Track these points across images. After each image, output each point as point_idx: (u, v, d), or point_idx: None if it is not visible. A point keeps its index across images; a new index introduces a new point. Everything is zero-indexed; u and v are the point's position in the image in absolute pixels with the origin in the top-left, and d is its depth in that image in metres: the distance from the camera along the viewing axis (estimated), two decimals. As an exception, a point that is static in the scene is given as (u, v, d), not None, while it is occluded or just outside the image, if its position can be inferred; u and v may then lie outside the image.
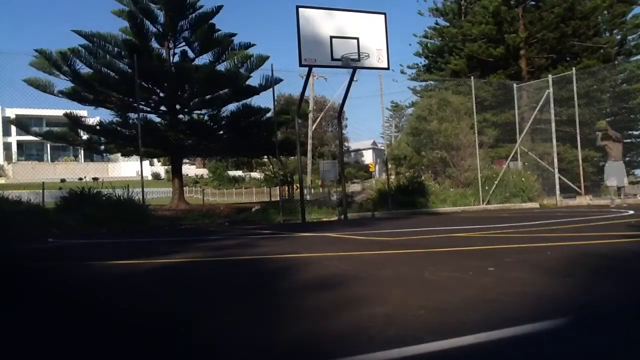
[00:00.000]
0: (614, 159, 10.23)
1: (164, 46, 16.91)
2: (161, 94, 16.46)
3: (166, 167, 42.99)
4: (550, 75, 13.73)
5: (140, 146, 10.85)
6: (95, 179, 18.86)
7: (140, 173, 10.67)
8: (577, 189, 13.41)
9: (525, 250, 3.45)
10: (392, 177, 14.19)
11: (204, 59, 16.75)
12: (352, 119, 64.45)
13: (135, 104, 13.15)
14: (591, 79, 16.78)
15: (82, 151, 40.50)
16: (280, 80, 16.05)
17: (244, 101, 16.77)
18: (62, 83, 15.16)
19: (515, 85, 14.74)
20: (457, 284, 2.20)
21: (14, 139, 46.00)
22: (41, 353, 1.47)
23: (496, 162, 14.52)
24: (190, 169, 48.32)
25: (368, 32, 9.85)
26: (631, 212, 8.17)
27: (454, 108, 13.90)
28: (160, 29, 16.57)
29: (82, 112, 17.69)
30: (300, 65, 9.47)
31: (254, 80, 16.61)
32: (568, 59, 21.02)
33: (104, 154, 22.68)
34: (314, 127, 33.12)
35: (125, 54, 15.43)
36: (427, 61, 24.62)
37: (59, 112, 17.20)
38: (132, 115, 15.32)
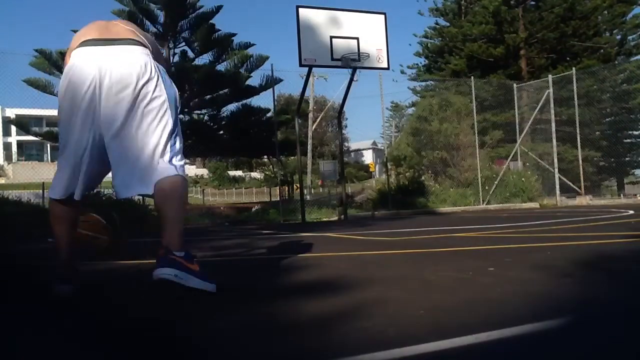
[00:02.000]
0: None
1: (163, 46, 16.88)
2: (161, 94, 16.40)
3: (166, 167, 42.78)
4: (550, 75, 13.73)
5: (140, 146, 10.82)
6: (95, 179, 18.79)
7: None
8: (577, 189, 13.41)
9: (525, 250, 3.45)
10: (392, 177, 14.19)
11: (204, 59, 16.77)
12: (352, 119, 64.52)
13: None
14: (591, 79, 16.79)
15: (82, 151, 40.39)
16: (280, 80, 16.06)
17: (244, 101, 16.78)
18: (62, 83, 15.14)
19: (515, 85, 14.75)
20: (457, 284, 2.20)
21: (14, 139, 45.98)
22: (31, 353, 1.47)
23: (496, 162, 14.53)
24: (190, 169, 48.28)
25: (368, 32, 9.85)
26: (631, 212, 8.17)
27: (455, 108, 13.90)
28: (160, 29, 16.57)
29: (82, 112, 17.67)
30: (300, 65, 9.48)
31: (254, 80, 16.62)
32: (568, 59, 21.03)
33: (104, 154, 22.61)
34: (314, 127, 33.12)
35: (125, 54, 15.42)
36: (427, 61, 24.64)
37: (59, 112, 17.17)
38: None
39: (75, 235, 2.37)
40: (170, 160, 2.09)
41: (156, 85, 2.12)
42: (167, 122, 2.12)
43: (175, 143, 2.14)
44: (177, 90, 2.30)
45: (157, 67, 2.18)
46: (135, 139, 2.06)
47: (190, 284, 1.91)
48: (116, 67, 2.05)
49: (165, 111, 2.13)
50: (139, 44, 2.18)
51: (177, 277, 1.89)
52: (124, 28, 2.23)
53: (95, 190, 10.93)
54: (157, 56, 2.31)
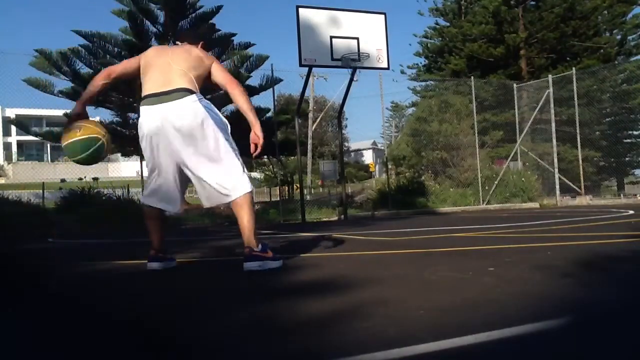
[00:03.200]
0: None
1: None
2: (161, 94, 16.38)
3: (166, 167, 42.81)
4: (550, 75, 13.73)
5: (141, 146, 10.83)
6: (95, 179, 18.85)
7: (140, 173, 10.68)
8: (577, 189, 13.41)
9: (525, 250, 3.45)
10: (392, 177, 14.19)
11: (204, 59, 16.71)
12: (352, 119, 64.19)
13: (136, 104, 13.14)
14: (591, 79, 16.78)
15: (82, 151, 40.31)
16: (280, 80, 16.01)
17: (244, 101, 16.71)
18: (62, 83, 15.12)
19: (515, 85, 14.74)
20: (457, 284, 2.20)
21: (14, 139, 45.95)
22: (31, 352, 1.47)
23: (496, 162, 14.54)
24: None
25: (368, 32, 9.86)
26: (631, 212, 8.17)
27: (455, 108, 13.91)
28: (160, 29, 16.54)
29: (82, 112, 17.65)
30: (300, 65, 9.48)
31: (254, 80, 16.55)
32: (568, 59, 21.02)
33: (104, 154, 22.64)
34: (314, 127, 33.14)
35: (125, 54, 15.41)
36: (427, 61, 24.63)
37: (59, 112, 17.12)
38: (132, 115, 15.30)
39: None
40: (241, 174, 2.88)
41: (208, 126, 2.83)
42: (227, 149, 2.93)
43: (237, 157, 2.96)
44: (222, 117, 3.12)
45: (205, 107, 2.88)
46: (211, 166, 2.85)
47: (269, 266, 2.82)
48: (176, 123, 2.78)
49: (222, 140, 2.93)
50: (188, 92, 2.82)
51: (260, 266, 2.79)
52: (179, 71, 2.90)
53: (95, 190, 11.00)
54: (198, 70, 3.07)
